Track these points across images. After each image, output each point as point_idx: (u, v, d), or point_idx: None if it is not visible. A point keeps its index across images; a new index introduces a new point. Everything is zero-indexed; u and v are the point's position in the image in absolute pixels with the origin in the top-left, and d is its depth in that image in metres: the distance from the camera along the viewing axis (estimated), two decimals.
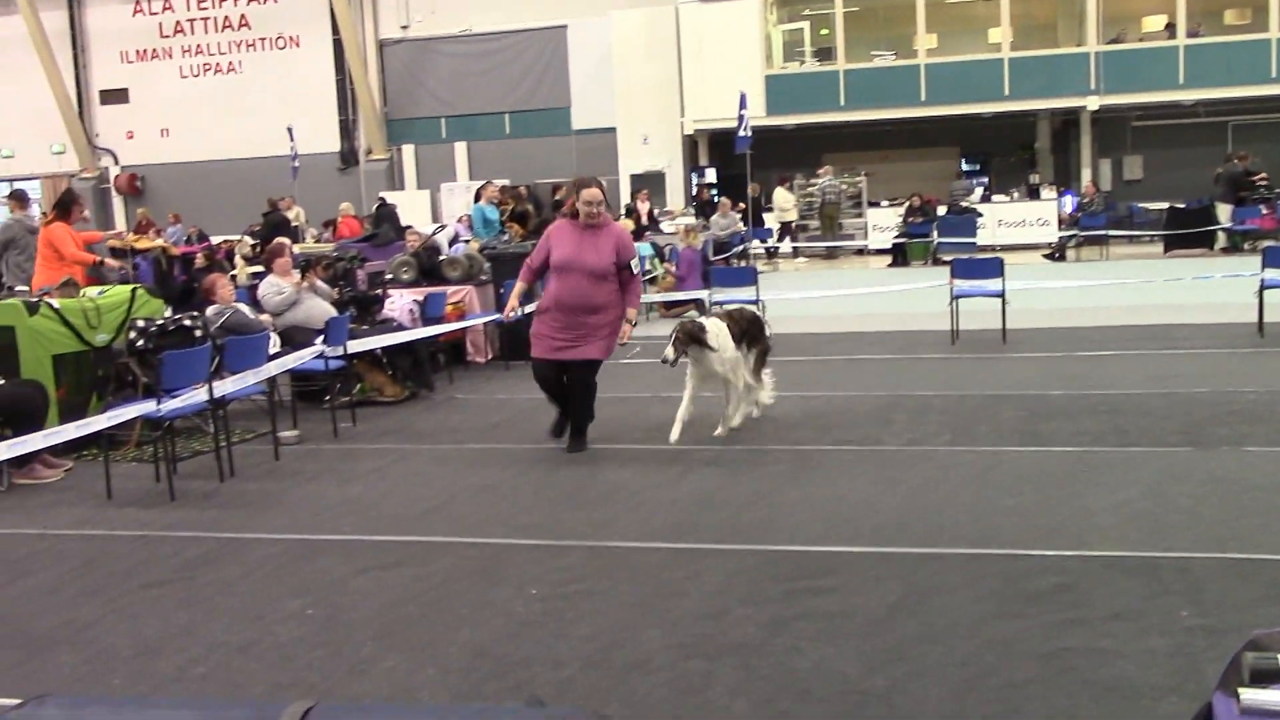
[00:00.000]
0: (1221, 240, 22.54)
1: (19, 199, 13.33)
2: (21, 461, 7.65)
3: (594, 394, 8.01)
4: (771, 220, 26.34)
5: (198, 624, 5.01)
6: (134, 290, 9.70)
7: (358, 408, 9.81)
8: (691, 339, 7.79)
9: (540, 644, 4.58)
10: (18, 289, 11.22)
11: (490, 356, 12.83)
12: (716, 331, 7.93)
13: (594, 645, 4.54)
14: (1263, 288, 11.73)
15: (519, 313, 8.29)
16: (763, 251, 24.41)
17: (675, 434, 7.94)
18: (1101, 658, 4.20)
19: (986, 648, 4.34)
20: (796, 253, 26.38)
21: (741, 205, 23.90)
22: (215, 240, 22.43)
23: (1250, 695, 1.77)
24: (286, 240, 12.35)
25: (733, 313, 8.50)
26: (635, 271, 7.91)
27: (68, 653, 4.76)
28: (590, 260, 7.65)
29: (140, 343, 8.82)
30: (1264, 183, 22.75)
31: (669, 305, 16.55)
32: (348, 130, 32.93)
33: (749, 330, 8.36)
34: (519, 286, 8.24)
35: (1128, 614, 4.59)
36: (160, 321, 9.03)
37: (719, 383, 8.17)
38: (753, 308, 8.95)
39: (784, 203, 25.87)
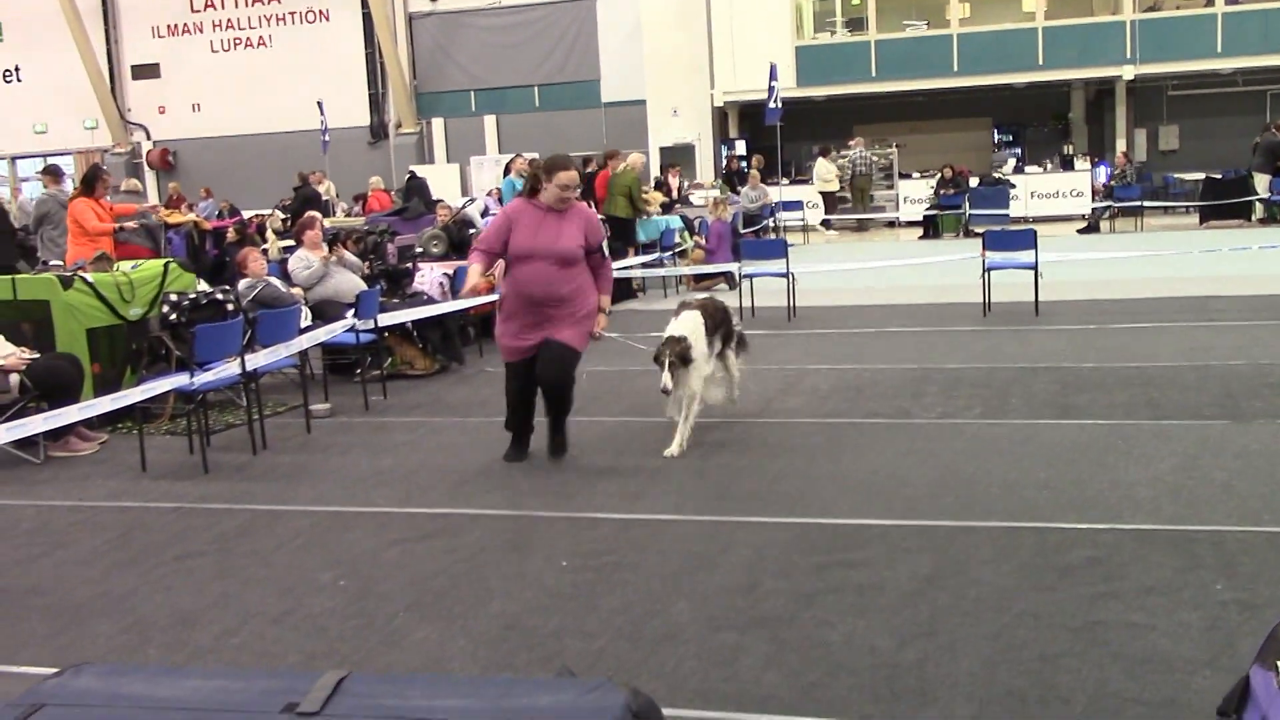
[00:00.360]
0: (1259, 211, 22.25)
1: (53, 174, 13.42)
2: (57, 434, 7.73)
3: (572, 384, 6.99)
4: (812, 192, 26.09)
5: (232, 595, 5.06)
6: (166, 264, 9.76)
7: (388, 381, 9.85)
8: (683, 361, 7.03)
9: (571, 616, 4.60)
10: (52, 264, 11.31)
11: None
12: (695, 328, 7.22)
13: (625, 617, 4.55)
14: None
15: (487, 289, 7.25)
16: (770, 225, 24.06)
17: (676, 447, 7.08)
18: (1134, 631, 4.17)
19: (1018, 621, 4.32)
20: (827, 225, 26.11)
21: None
22: (246, 214, 22.50)
23: None
24: (316, 214, 12.39)
25: (705, 304, 7.64)
26: (606, 255, 7.12)
27: (104, 623, 4.82)
28: (559, 244, 6.70)
29: (173, 316, 8.88)
30: None
31: (698, 278, 16.50)
32: (377, 104, 32.93)
33: (722, 323, 7.65)
34: (477, 267, 6.90)
35: (1161, 588, 4.56)
36: (192, 295, 9.09)
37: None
38: (721, 298, 8.27)
39: (825, 173, 25.59)
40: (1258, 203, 22.17)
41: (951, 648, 4.12)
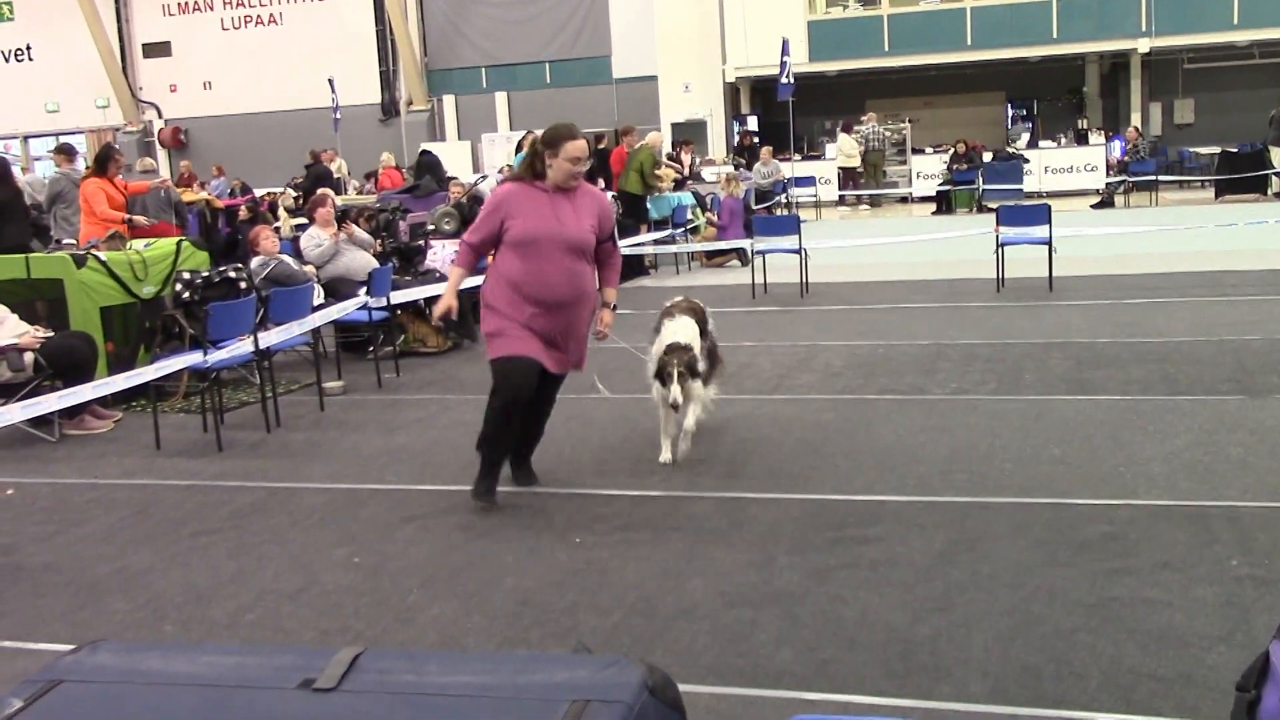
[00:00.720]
0: (1275, 185, 22.09)
1: (65, 153, 13.43)
2: (72, 412, 7.76)
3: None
4: (825, 167, 25.92)
5: (247, 572, 5.08)
6: (179, 243, 9.77)
7: (401, 358, 9.86)
8: (692, 373, 6.14)
9: (585, 592, 4.61)
10: (65, 242, 11.33)
11: None
12: (693, 335, 6.37)
13: (638, 593, 4.55)
14: None
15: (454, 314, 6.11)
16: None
17: (668, 453, 6.34)
18: (1149, 607, 4.16)
19: (1033, 597, 4.32)
20: (843, 199, 25.90)
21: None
22: (258, 193, 22.52)
23: None
24: (328, 191, 12.38)
25: (693, 306, 6.73)
26: (617, 243, 6.17)
27: (120, 600, 4.84)
28: (569, 230, 5.58)
29: (186, 295, 8.89)
30: None
31: (711, 255, 16.47)
32: (388, 81, 32.87)
33: (704, 324, 6.75)
34: (457, 274, 5.97)
35: (1176, 563, 4.55)
36: (205, 273, 9.10)
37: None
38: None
39: (848, 148, 25.39)
40: (1274, 176, 22.01)
41: (966, 623, 4.11)
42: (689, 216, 17.47)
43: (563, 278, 5.59)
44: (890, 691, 3.67)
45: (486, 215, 5.76)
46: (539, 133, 5.91)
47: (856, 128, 26.14)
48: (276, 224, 16.28)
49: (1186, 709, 3.45)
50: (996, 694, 3.61)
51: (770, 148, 23.90)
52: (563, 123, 5.76)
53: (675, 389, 6.00)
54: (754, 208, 19.75)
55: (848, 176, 25.59)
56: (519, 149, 17.91)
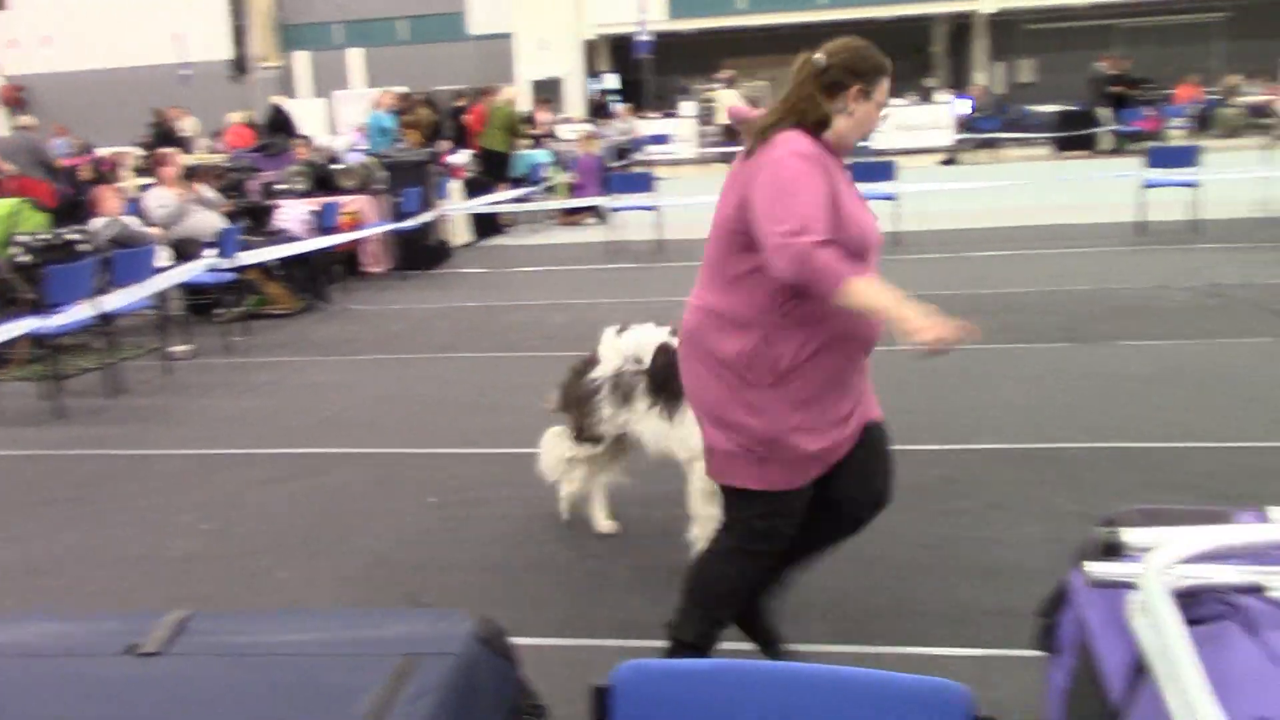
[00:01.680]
0: (1106, 142, 22.90)
1: None
2: None
3: None
4: (682, 126, 26.00)
5: (91, 541, 4.96)
6: (17, 204, 9.39)
7: (251, 320, 9.67)
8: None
9: (437, 551, 4.62)
10: None
11: (387, 267, 12.70)
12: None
13: (490, 551, 4.58)
14: (1146, 187, 12.13)
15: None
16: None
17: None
18: (981, 545, 4.36)
19: (874, 537, 4.41)
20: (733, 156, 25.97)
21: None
22: (103, 152, 21.68)
23: (1094, 568, 1.87)
24: (171, 150, 12.02)
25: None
26: None
27: None
28: (877, 227, 3.48)
29: (23, 258, 8.55)
30: (1134, 91, 22.92)
31: (568, 213, 16.45)
32: (240, 37, 31.87)
33: None
34: (872, 287, 3.25)
35: (1006, 503, 4.77)
36: (45, 236, 8.77)
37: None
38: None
39: (733, 102, 25.38)
40: (1104, 134, 22.79)
41: (807, 568, 4.23)
42: (546, 174, 17.41)
43: None
44: (732, 636, 3.76)
45: (817, 186, 3.07)
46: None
47: (712, 87, 26.28)
48: (120, 184, 15.72)
49: (1012, 639, 3.62)
50: (839, 634, 3.75)
51: (628, 105, 23.88)
52: (865, 43, 3.22)
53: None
54: (611, 166, 19.76)
55: (729, 132, 25.70)
56: (377, 106, 17.54)
